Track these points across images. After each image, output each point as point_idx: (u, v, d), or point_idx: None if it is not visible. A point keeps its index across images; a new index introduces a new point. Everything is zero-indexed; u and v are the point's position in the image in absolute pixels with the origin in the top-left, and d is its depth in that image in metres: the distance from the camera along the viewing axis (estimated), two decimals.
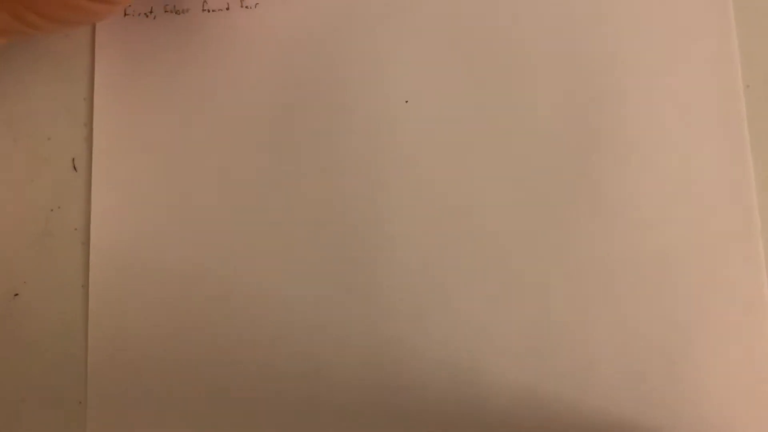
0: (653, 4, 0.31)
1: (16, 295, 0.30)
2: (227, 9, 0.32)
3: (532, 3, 0.31)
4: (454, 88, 0.31)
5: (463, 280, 0.30)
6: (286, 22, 0.31)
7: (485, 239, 0.30)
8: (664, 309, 0.29)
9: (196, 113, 0.31)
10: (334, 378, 0.29)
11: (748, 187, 0.30)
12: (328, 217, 0.30)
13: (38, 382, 0.30)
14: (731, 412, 0.28)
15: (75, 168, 0.31)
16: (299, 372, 0.29)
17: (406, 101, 0.31)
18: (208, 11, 0.32)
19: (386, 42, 0.31)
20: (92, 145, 0.31)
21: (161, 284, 0.30)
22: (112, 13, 0.27)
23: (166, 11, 0.32)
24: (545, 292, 0.29)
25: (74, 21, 0.27)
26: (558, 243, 0.30)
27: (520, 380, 0.29)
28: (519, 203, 0.30)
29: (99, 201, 0.30)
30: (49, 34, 0.31)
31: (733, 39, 0.31)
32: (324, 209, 0.30)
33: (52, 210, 0.31)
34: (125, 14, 0.32)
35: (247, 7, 0.32)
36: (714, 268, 0.29)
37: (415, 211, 0.30)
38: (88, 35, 0.32)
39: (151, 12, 0.32)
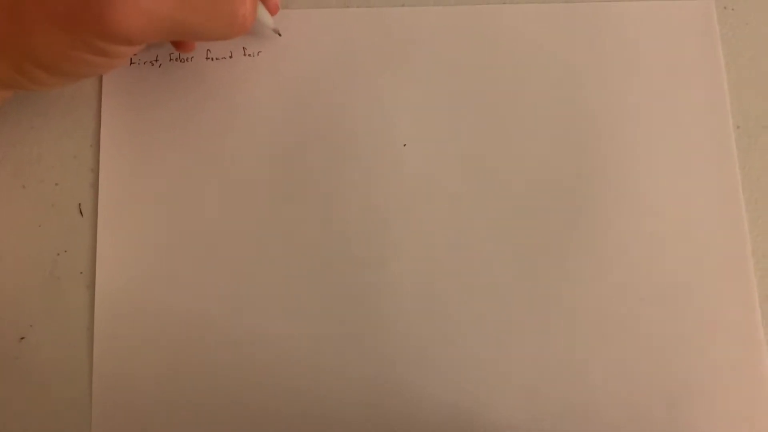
0: (649, 55, 0.32)
1: (23, 338, 0.31)
2: (230, 57, 0.33)
3: (529, 52, 0.32)
4: (451, 132, 0.32)
5: (464, 321, 0.30)
6: (287, 70, 0.32)
7: (485, 280, 0.30)
8: (662, 351, 0.30)
9: (200, 159, 0.32)
10: (336, 418, 0.30)
11: (740, 226, 0.31)
12: (331, 260, 0.31)
13: (43, 425, 0.30)
14: None
15: (81, 213, 0.32)
16: (302, 414, 0.30)
17: (405, 145, 0.32)
18: (212, 59, 0.33)
19: (385, 88, 0.32)
20: (98, 191, 0.31)
21: (166, 328, 0.30)
22: (115, 67, 0.27)
23: (171, 59, 0.33)
24: (545, 336, 0.30)
25: (77, 74, 0.27)
26: (557, 287, 0.30)
27: (520, 422, 0.29)
28: (517, 245, 0.31)
29: (104, 245, 0.31)
30: (53, 89, 0.32)
31: (723, 85, 0.32)
32: (326, 252, 0.31)
33: (58, 254, 0.31)
34: (131, 62, 0.32)
35: (249, 55, 0.33)
36: (709, 309, 0.30)
37: (416, 251, 0.31)
38: (95, 83, 0.33)
39: (156, 60, 0.33)
